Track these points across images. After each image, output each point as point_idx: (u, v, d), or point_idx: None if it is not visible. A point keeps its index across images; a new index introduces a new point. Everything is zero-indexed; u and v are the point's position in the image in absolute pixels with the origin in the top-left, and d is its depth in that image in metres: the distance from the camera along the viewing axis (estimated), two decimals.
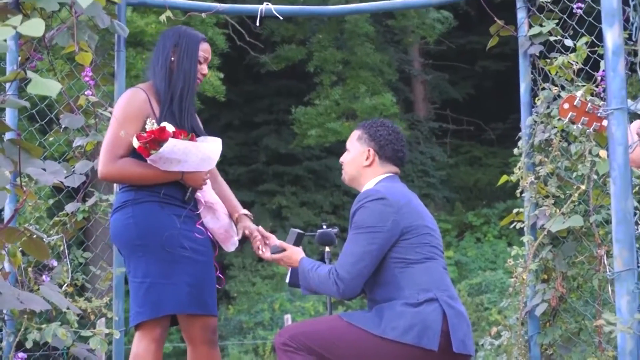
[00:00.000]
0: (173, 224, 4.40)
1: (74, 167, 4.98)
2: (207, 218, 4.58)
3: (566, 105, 3.74)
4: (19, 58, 4.77)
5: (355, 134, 4.47)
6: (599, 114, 3.71)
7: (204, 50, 4.67)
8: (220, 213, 4.64)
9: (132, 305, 4.45)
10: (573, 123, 3.84)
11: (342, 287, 4.07)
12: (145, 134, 4.33)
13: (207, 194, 4.59)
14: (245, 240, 4.74)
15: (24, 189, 3.15)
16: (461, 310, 4.15)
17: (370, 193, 4.19)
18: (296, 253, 4.42)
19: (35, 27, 2.64)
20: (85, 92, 5.02)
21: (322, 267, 4.20)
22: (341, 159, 4.52)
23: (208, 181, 4.59)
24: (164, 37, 4.64)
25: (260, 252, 4.61)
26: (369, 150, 4.38)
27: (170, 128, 4.37)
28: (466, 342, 4.08)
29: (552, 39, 5.22)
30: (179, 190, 4.49)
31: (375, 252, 4.09)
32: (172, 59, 4.58)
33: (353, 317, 4.14)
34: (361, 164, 4.40)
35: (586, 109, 3.72)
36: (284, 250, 4.46)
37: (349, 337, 4.09)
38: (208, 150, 4.47)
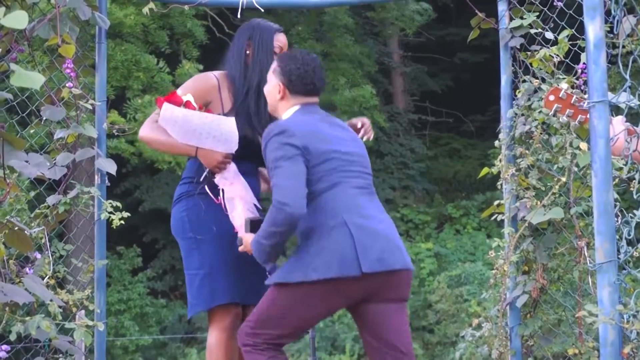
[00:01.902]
0: (224, 216, 4.52)
1: (55, 159, 4.97)
2: (231, 213, 4.59)
3: (552, 97, 3.75)
4: (0, 50, 4.74)
5: (273, 65, 4.50)
6: (582, 107, 3.73)
7: (279, 41, 4.71)
8: (240, 210, 4.61)
9: (188, 296, 4.60)
10: (555, 115, 3.85)
11: (289, 208, 4.00)
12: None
13: (231, 186, 4.59)
14: None
15: (7, 181, 3.14)
16: (376, 228, 4.16)
17: (272, 129, 4.22)
18: (248, 239, 4.35)
19: (18, 19, 2.64)
20: (67, 84, 5.00)
21: (263, 224, 4.15)
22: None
23: (234, 171, 4.58)
24: (238, 32, 4.74)
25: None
26: (279, 85, 4.42)
27: (189, 98, 4.47)
28: (385, 259, 4.10)
29: (532, 31, 5.23)
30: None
31: (301, 174, 4.11)
32: (247, 52, 4.65)
33: (279, 277, 4.15)
34: (275, 98, 4.45)
35: (571, 101, 3.74)
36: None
37: (286, 299, 4.12)
38: (220, 126, 4.48)
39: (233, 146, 4.51)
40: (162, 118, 4.45)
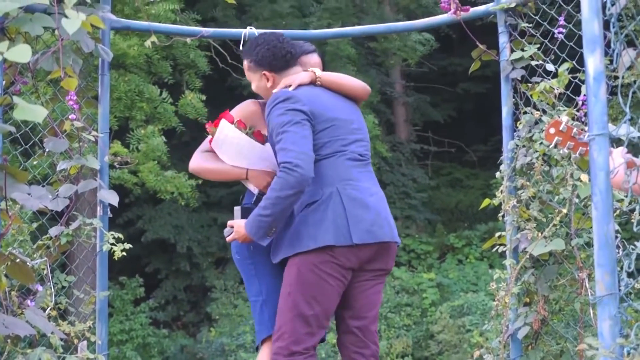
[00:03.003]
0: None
1: (57, 191, 4.98)
2: None
3: (552, 130, 3.77)
4: (4, 82, 4.76)
5: (245, 65, 4.58)
6: (580, 139, 3.74)
7: (309, 62, 4.72)
8: None
9: (255, 323, 4.63)
10: (556, 147, 3.86)
11: (301, 169, 4.05)
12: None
13: None
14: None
15: (9, 213, 3.16)
16: (367, 201, 4.27)
17: (278, 95, 4.29)
18: (241, 223, 4.39)
19: (22, 53, 2.66)
20: (70, 116, 5.02)
21: (269, 192, 4.18)
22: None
23: None
24: None
25: None
26: (264, 75, 4.50)
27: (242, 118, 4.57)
28: (375, 231, 4.24)
29: (533, 63, 5.25)
30: None
31: (309, 137, 4.19)
32: None
33: (284, 252, 4.28)
34: (266, 88, 4.52)
35: (572, 134, 3.75)
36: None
37: (294, 280, 4.24)
38: (266, 149, 4.53)
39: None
40: (218, 136, 4.53)
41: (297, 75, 4.46)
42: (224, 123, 4.52)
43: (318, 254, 4.17)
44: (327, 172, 4.25)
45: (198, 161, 4.66)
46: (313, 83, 4.47)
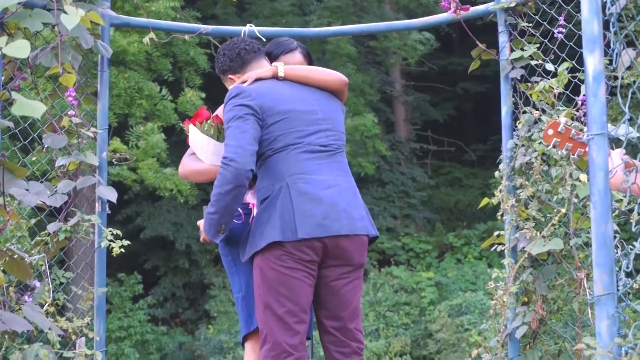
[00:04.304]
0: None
1: (56, 187, 4.97)
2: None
3: (550, 132, 3.76)
4: (2, 78, 4.76)
5: (222, 79, 4.64)
6: (579, 139, 3.73)
7: (291, 59, 4.70)
8: None
9: (239, 319, 4.62)
10: (554, 148, 3.86)
11: (235, 163, 4.04)
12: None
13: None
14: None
15: (8, 209, 3.15)
16: (319, 194, 4.20)
17: (230, 92, 4.31)
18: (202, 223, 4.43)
19: (20, 48, 2.66)
20: (69, 113, 5.02)
21: (213, 190, 4.19)
22: None
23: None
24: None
25: None
26: (231, 79, 4.54)
27: (217, 112, 4.59)
28: (327, 225, 4.15)
29: (533, 63, 5.25)
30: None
31: (250, 131, 4.15)
32: None
33: (246, 254, 4.26)
34: None
35: (570, 135, 3.74)
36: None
37: (260, 282, 4.19)
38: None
39: None
40: (190, 137, 4.56)
41: (255, 71, 4.45)
42: (190, 127, 4.52)
43: (272, 251, 4.12)
44: (279, 167, 4.20)
45: (184, 164, 4.65)
46: (275, 77, 4.46)
